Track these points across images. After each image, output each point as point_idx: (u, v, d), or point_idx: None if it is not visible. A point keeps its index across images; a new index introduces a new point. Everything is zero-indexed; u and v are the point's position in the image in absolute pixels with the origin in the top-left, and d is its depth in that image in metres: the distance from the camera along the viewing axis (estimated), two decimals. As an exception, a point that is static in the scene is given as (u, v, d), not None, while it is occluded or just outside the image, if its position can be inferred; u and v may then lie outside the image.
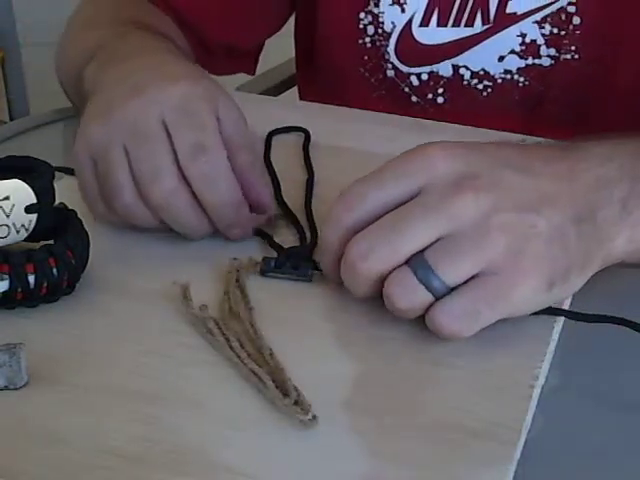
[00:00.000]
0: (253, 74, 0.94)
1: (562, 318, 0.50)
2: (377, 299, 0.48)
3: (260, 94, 1.08)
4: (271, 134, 0.70)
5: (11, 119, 2.11)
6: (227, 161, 0.55)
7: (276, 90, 1.16)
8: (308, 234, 0.58)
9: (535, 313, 0.49)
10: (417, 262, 0.46)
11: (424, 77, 0.82)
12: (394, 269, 0.47)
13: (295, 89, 1.00)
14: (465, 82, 0.81)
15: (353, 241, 0.48)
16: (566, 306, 0.51)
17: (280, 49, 0.99)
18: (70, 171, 0.61)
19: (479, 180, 0.47)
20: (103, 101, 0.58)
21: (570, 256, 0.48)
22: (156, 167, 0.54)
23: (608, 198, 0.49)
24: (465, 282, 0.46)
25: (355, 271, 0.48)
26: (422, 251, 0.47)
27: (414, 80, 0.82)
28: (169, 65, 0.61)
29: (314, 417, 0.43)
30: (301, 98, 0.95)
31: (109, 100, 0.57)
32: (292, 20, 0.92)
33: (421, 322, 0.48)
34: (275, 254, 0.55)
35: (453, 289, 0.46)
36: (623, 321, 0.49)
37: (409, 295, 0.47)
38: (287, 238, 0.57)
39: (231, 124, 0.57)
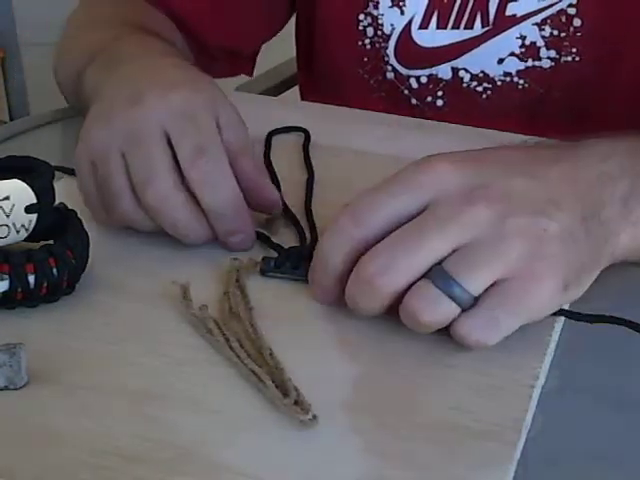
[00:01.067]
0: (251, 75, 0.94)
1: (562, 318, 0.50)
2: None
3: (260, 94, 1.08)
4: (271, 134, 0.70)
5: (11, 119, 2.11)
6: (228, 165, 0.55)
7: (276, 90, 1.16)
8: (308, 234, 0.58)
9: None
10: (437, 274, 0.46)
11: (423, 80, 0.82)
12: (413, 283, 0.46)
13: (295, 89, 1.00)
14: (464, 85, 0.81)
15: (370, 256, 0.47)
16: (566, 306, 0.50)
17: (280, 49, 0.99)
18: (70, 171, 0.61)
19: (489, 189, 0.47)
20: (104, 106, 0.58)
21: (581, 256, 0.48)
22: (151, 170, 0.53)
23: (610, 195, 0.50)
24: (486, 290, 0.46)
25: (373, 287, 0.46)
26: (439, 264, 0.46)
27: (413, 83, 0.82)
28: (169, 69, 0.61)
29: (314, 417, 0.43)
30: (302, 98, 0.95)
31: (110, 106, 0.57)
32: (292, 20, 0.92)
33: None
34: (275, 254, 0.55)
35: (476, 298, 0.46)
36: (623, 321, 0.49)
37: (433, 307, 0.46)
38: (287, 238, 0.57)
39: (232, 129, 0.57)
